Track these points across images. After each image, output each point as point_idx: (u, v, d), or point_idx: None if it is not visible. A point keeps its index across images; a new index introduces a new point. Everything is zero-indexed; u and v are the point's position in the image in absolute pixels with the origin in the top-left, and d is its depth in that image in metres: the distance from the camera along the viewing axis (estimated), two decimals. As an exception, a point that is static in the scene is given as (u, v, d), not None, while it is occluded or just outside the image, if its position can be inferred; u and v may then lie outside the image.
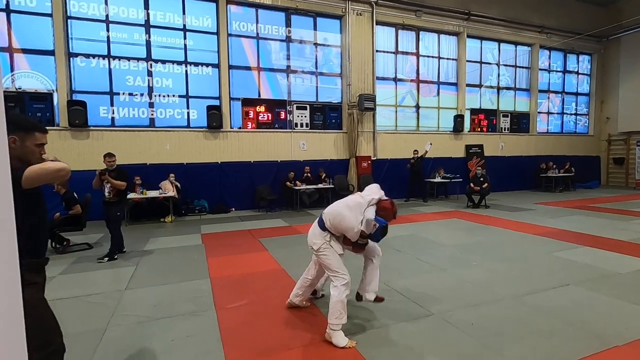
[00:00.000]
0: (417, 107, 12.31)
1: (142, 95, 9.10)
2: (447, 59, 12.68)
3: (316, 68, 10.85)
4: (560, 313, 3.16)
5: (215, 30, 9.62)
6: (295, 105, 10.45)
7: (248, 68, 10.08)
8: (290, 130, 10.38)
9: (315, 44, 10.80)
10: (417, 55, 12.17)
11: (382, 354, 2.57)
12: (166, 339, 2.85)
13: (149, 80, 9.15)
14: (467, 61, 12.83)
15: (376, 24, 11.17)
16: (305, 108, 10.57)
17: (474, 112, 13.19)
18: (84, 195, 5.97)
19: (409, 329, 2.93)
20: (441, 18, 12.08)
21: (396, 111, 12.00)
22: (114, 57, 8.81)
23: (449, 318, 3.10)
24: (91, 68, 8.66)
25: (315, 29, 10.76)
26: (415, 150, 11.06)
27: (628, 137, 14.74)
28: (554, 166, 13.40)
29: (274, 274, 4.40)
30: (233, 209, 9.54)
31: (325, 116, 10.91)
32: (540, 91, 14.47)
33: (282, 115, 10.35)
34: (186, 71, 9.45)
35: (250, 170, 9.80)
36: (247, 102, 9.96)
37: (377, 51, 11.31)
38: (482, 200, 9.61)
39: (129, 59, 8.94)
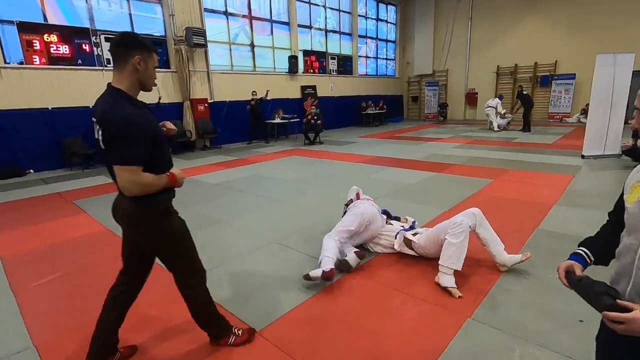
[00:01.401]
0: (252, 45, 11.90)
1: None
2: (278, -5, 12.44)
3: (126, -10, 8.88)
4: (372, 221, 3.89)
5: None
6: (103, 37, 8.47)
7: (19, -22, 7.39)
8: (102, 67, 8.49)
9: (120, -43, 8.71)
10: (247, -13, 11.45)
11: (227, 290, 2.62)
12: None
13: None
14: (297, 0, 12.93)
15: (197, -57, 9.75)
16: (118, 40, 8.70)
17: (306, 53, 13.73)
18: None
19: (253, 259, 3.06)
20: (268, -52, 11.51)
21: (230, 49, 11.31)
22: None
23: (287, 243, 3.38)
24: None
25: (116, -64, 8.59)
26: (254, 92, 10.91)
27: (420, 79, 18.43)
28: (372, 104, 15.71)
29: (97, 237, 3.78)
30: (31, 171, 7.49)
31: (146, 52, 9.31)
32: (360, 36, 16.16)
33: (87, 49, 8.28)
34: None
35: (50, 119, 7.71)
36: (28, 28, 7.45)
37: (201, -23, 10.04)
38: (317, 137, 10.53)
39: None
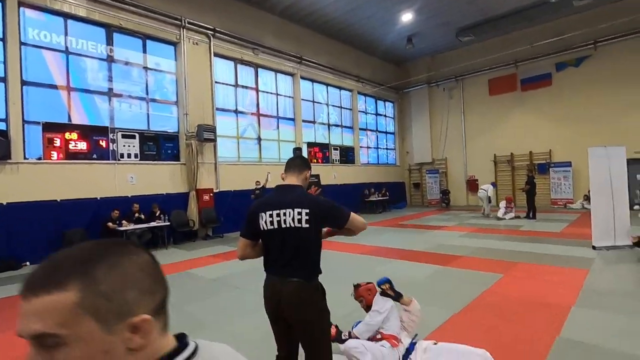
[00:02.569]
0: (259, 139, 12.68)
1: None
2: (284, 96, 13.69)
3: (147, 94, 9.85)
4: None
5: (0, 36, 7.57)
6: (120, 134, 9.12)
7: (53, 87, 8.28)
8: (115, 161, 8.94)
9: (145, 68, 9.85)
10: (257, 90, 12.67)
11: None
12: None
13: None
14: (302, 99, 14.17)
15: (214, 56, 11.11)
16: (133, 137, 9.35)
17: (310, 145, 14.52)
18: None
19: None
20: (277, 59, 13.04)
21: (238, 143, 12.02)
22: None
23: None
24: None
25: (144, 51, 9.85)
26: (257, 181, 11.22)
27: (421, 166, 19.08)
28: (374, 191, 15.98)
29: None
30: (27, 264, 7.34)
31: (159, 146, 9.91)
32: (360, 129, 17.26)
33: (104, 145, 8.84)
34: (-52, 82, 7.01)
35: (56, 211, 7.83)
36: (52, 128, 8.08)
37: (216, 82, 11.19)
38: (320, 225, 10.46)
39: None
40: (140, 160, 9.40)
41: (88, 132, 8.59)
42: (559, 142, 14.68)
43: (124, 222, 8.19)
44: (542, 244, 7.36)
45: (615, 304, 3.91)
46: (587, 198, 12.95)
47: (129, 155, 9.22)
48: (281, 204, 1.91)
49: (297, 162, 2.12)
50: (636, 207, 11.32)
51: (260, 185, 11.17)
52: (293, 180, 2.05)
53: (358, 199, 15.74)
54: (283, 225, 1.88)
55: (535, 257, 6.16)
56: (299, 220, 1.86)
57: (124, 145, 9.16)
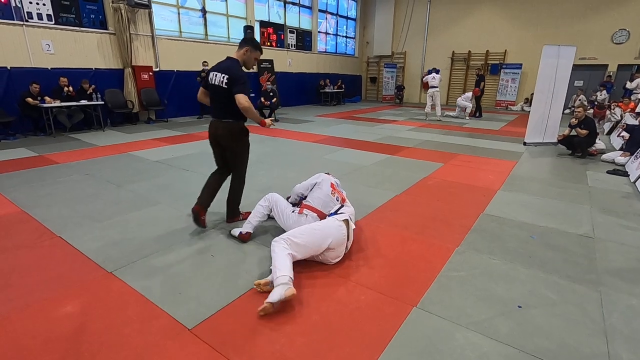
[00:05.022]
0: (204, 11, 10.99)
1: None
2: (233, -42, 11.50)
3: None
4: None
5: None
6: (22, -15, 7.28)
7: None
8: (21, 22, 7.33)
9: None
10: (198, -55, 10.43)
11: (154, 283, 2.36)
12: None
13: None
14: (254, -35, 12.08)
15: None
16: (41, -9, 7.55)
17: (263, 24, 13.00)
18: None
19: (193, 246, 2.81)
20: None
21: (179, 13, 10.34)
22: None
23: (225, 231, 3.16)
24: None
25: None
26: (205, 62, 10.16)
27: (380, 60, 18.39)
28: (329, 83, 15.43)
29: (7, 220, 3.27)
30: None
31: (78, 8, 8.20)
32: (320, 11, 15.61)
33: (2, -1, 7.09)
34: None
35: (-46, 80, 6.57)
36: None
37: None
38: (272, 114, 10.13)
39: None
40: (55, 24, 7.81)
41: (-25, -22, 6.72)
42: (516, 42, 14.65)
43: (47, 98, 7.17)
44: (482, 139, 7.89)
45: (531, 188, 4.45)
46: (528, 101, 13.76)
47: (39, 17, 7.57)
48: (219, 68, 2.78)
49: (241, 41, 2.86)
50: (567, 110, 12.31)
51: (209, 67, 10.16)
52: (235, 54, 2.82)
53: (313, 90, 15.19)
54: (216, 83, 2.77)
55: (474, 150, 6.64)
56: (221, 82, 2.74)
57: (31, 2, 7.42)
